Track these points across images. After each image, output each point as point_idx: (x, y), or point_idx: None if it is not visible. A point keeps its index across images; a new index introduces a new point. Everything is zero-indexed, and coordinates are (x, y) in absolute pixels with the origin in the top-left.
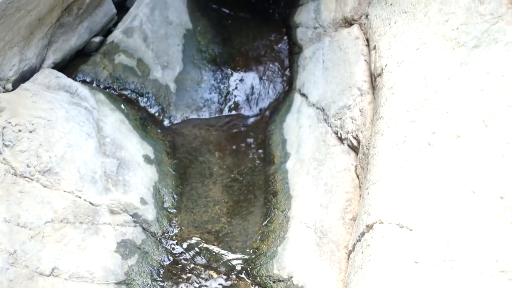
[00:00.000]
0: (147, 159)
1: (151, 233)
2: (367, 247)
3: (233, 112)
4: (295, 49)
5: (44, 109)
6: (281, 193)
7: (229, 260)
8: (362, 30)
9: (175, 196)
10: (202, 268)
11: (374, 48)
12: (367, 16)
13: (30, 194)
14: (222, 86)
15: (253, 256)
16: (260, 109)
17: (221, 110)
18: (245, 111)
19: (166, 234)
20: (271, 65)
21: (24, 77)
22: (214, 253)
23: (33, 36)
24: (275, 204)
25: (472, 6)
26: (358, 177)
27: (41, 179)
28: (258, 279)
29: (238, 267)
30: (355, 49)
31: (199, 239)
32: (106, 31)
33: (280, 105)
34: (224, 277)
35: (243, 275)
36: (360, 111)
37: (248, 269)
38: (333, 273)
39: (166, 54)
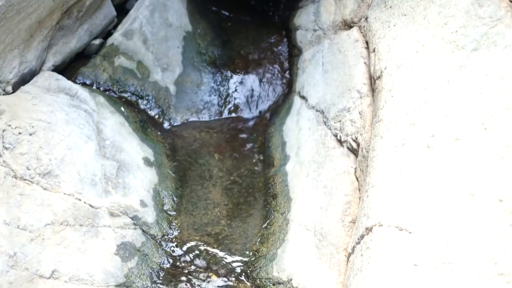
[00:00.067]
0: (147, 161)
1: (151, 236)
2: (367, 250)
3: (233, 115)
4: (294, 52)
5: (44, 112)
6: (280, 195)
7: (228, 263)
8: (361, 32)
9: (175, 199)
10: (202, 271)
11: (374, 50)
12: (366, 18)
13: (30, 197)
14: (221, 89)
15: (253, 259)
16: (260, 112)
17: (221, 113)
18: (245, 114)
19: (166, 237)
20: (270, 68)
21: (24, 79)
22: (214, 256)
23: (33, 38)
24: (275, 207)
25: (471, 9)
26: (357, 179)
27: (41, 181)
28: (258, 281)
29: (238, 270)
30: (355, 51)
31: (199, 241)
32: (106, 33)
33: (280, 107)
34: (224, 279)
35: (242, 278)
36: (360, 113)
37: (248, 271)
38: (332, 276)
39: (166, 56)
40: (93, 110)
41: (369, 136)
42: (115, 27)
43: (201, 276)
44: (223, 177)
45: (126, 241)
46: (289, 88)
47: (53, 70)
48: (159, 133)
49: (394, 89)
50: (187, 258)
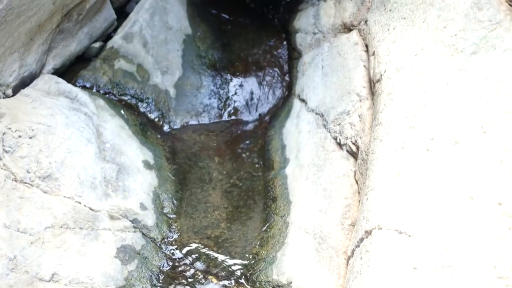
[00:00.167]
0: (146, 164)
1: (151, 239)
2: (366, 253)
3: (233, 118)
4: (294, 55)
5: (44, 115)
6: (280, 198)
7: (228, 266)
8: (361, 35)
9: (174, 202)
10: (202, 274)
11: (373, 54)
12: (366, 22)
13: (30, 200)
14: (221, 92)
15: (253, 262)
16: (260, 115)
17: (221, 116)
18: (245, 117)
19: (165, 240)
20: (270, 71)
21: (24, 82)
22: (213, 259)
23: (33, 42)
24: (275, 210)
25: (470, 12)
26: (357, 182)
27: (41, 184)
28: (258, 284)
29: (238, 273)
30: (354, 54)
31: (199, 244)
32: (106, 36)
33: (280, 110)
34: (224, 282)
35: (242, 281)
36: (359, 116)
37: (248, 274)
38: (332, 279)
39: (165, 59)
40: (93, 113)
41: (368, 139)
42: (115, 30)
43: (201, 279)
44: (223, 180)
45: (126, 244)
46: (289, 91)
47: (53, 73)
48: (159, 136)
49: (393, 92)
50: (187, 261)
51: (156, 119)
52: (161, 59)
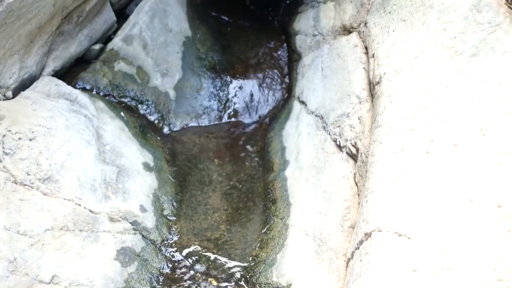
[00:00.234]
0: (146, 166)
1: (151, 241)
2: (366, 255)
3: (233, 120)
4: (294, 57)
5: (44, 117)
6: (280, 200)
7: (228, 268)
8: (361, 38)
9: (174, 204)
10: (202, 276)
11: (373, 56)
12: (365, 24)
13: (30, 202)
14: (221, 94)
15: (252, 264)
16: (260, 117)
17: (221, 118)
18: (245, 119)
19: (165, 242)
20: (270, 73)
21: (24, 85)
22: (213, 261)
23: (33, 44)
24: (274, 212)
25: (469, 15)
26: (356, 184)
27: (41, 187)
28: (257, 286)
29: (237, 275)
30: (354, 57)
31: (199, 246)
32: (106, 38)
33: (279, 112)
34: (224, 284)
35: (242, 283)
36: (359, 119)
37: (247, 276)
38: (332, 281)
39: (165, 61)
40: (93, 115)
41: (368, 141)
42: (115, 32)
43: (201, 281)
44: (223, 182)
45: (126, 246)
46: (289, 93)
47: (53, 75)
48: (158, 138)
49: (393, 95)
50: (187, 263)
51: (156, 121)
52: (161, 61)
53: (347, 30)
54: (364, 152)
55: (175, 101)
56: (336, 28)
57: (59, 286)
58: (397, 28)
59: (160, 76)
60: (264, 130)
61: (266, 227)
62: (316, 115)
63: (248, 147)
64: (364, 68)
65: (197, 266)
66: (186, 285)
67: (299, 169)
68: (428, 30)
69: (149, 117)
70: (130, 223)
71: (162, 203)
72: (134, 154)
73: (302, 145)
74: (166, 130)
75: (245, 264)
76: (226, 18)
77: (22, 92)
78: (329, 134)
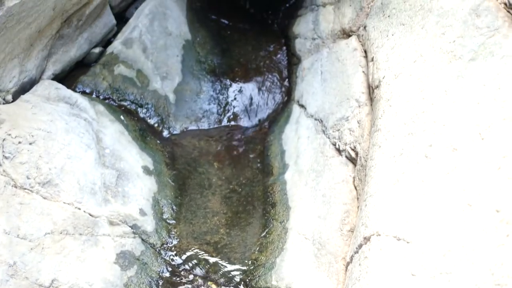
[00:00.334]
0: (146, 170)
1: (150, 244)
2: (365, 259)
3: (232, 123)
4: (293, 60)
5: (44, 121)
6: (279, 204)
7: (228, 271)
8: (360, 41)
9: (174, 207)
10: (201, 279)
11: (372, 59)
12: (365, 27)
13: (30, 206)
14: (221, 97)
15: (252, 267)
16: (259, 120)
17: (220, 121)
18: (244, 122)
19: (165, 245)
20: (270, 76)
21: (24, 88)
22: (213, 264)
23: (33, 47)
24: (274, 215)
25: (468, 19)
26: (356, 188)
27: (40, 190)
28: None
29: (237, 278)
30: (353, 60)
31: (198, 250)
32: (106, 42)
33: (279, 116)
34: None
35: (241, 287)
36: (358, 122)
37: (247, 280)
38: (331, 285)
39: (165, 65)
40: (93, 118)
41: (367, 145)
42: (114, 35)
43: (200, 285)
44: (222, 186)
45: (125, 250)
46: (288, 96)
47: (53, 79)
48: (158, 141)
49: (392, 99)
50: (186, 267)
51: (156, 125)
52: (160, 64)
53: (346, 34)
54: (363, 156)
55: (175, 104)
56: (336, 32)
57: None
58: (396, 32)
59: (160, 79)
60: (263, 133)
61: (266, 230)
62: (315, 119)
63: (248, 150)
64: (363, 71)
65: (197, 270)
66: None
67: (299, 173)
68: (427, 34)
69: (148, 120)
70: (129, 226)
71: (162, 206)
72: (133, 158)
73: (302, 149)
74: (165, 133)
75: (245, 268)
76: (226, 22)
77: (22, 96)
78: (329, 137)
